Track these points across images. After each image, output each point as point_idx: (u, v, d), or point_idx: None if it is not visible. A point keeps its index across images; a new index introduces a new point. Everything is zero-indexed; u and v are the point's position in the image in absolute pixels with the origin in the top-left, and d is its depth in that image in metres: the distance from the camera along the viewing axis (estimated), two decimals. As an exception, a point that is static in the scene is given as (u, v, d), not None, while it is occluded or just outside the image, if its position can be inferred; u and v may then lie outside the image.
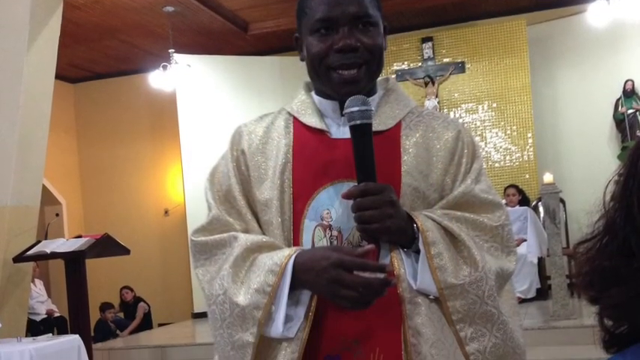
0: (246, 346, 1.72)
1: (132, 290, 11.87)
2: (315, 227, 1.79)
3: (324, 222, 1.79)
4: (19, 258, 6.91)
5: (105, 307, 11.41)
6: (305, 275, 1.67)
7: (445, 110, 10.77)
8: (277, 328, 1.70)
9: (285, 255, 1.70)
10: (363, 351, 1.72)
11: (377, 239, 1.72)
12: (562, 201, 8.91)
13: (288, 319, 1.70)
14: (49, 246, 6.97)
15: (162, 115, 12.62)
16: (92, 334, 8.32)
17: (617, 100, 10.52)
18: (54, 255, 6.92)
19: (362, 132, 1.71)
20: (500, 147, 10.80)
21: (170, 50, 10.56)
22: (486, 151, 10.66)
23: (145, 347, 8.26)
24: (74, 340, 5.80)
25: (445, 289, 1.72)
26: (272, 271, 1.69)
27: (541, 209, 8.58)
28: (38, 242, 7.21)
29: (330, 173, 1.80)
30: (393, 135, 1.86)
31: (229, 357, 1.77)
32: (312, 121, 1.87)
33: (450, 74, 11.02)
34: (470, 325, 1.75)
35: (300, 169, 1.83)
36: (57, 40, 7.62)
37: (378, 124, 1.83)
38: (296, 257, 1.69)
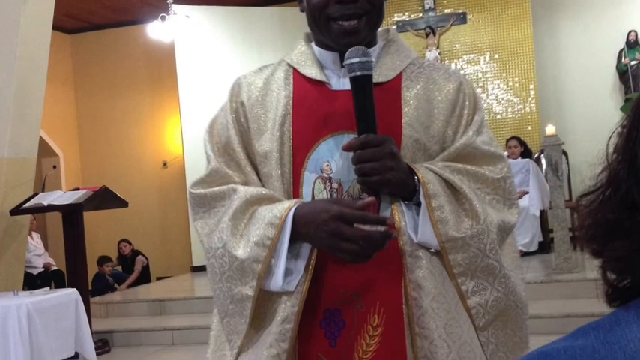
0: (245, 299, 1.72)
1: (130, 243, 11.90)
2: (315, 180, 1.78)
3: (324, 174, 1.77)
4: (16, 211, 6.91)
5: (103, 260, 11.44)
6: (305, 228, 1.66)
7: (446, 62, 10.70)
8: (277, 282, 1.69)
9: (285, 208, 1.69)
10: (363, 304, 1.72)
11: (377, 192, 1.70)
12: (564, 153, 8.90)
13: (287, 272, 1.70)
14: (46, 199, 6.97)
15: (161, 67, 12.54)
16: (90, 287, 8.37)
17: (620, 51, 10.46)
18: (51, 208, 6.91)
19: (362, 83, 1.69)
20: (502, 99, 10.76)
21: (168, 1, 10.46)
22: (488, 103, 10.61)
23: (144, 301, 8.30)
24: (72, 293, 5.81)
25: (446, 242, 1.71)
26: (272, 224, 1.67)
27: (543, 161, 8.56)
28: (35, 195, 7.21)
29: (330, 125, 1.78)
30: (393, 86, 1.83)
31: (228, 310, 1.77)
32: (312, 72, 1.85)
33: (452, 25, 10.92)
34: (471, 279, 1.75)
35: (300, 121, 1.81)
36: (54, -10, 7.53)
37: (379, 76, 1.80)
38: (296, 210, 1.68)
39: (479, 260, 1.73)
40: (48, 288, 7.00)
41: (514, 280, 1.80)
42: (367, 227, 1.62)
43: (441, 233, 1.70)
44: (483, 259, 1.73)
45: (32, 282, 9.89)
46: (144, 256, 11.74)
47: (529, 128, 10.57)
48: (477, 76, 10.80)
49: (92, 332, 6.02)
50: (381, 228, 1.63)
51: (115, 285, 11.13)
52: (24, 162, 7.24)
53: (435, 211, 1.70)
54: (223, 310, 1.79)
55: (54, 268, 11.12)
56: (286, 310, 1.70)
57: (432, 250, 1.75)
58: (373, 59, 1.74)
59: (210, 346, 1.91)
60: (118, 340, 7.07)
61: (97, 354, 6.06)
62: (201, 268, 9.04)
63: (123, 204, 7.22)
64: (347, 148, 1.69)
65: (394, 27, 8.97)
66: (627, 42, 10.38)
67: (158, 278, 11.73)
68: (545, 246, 9.32)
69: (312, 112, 1.81)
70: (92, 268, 9.71)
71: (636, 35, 10.35)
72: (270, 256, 1.67)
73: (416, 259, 1.72)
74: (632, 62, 10.30)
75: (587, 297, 6.24)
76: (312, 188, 1.78)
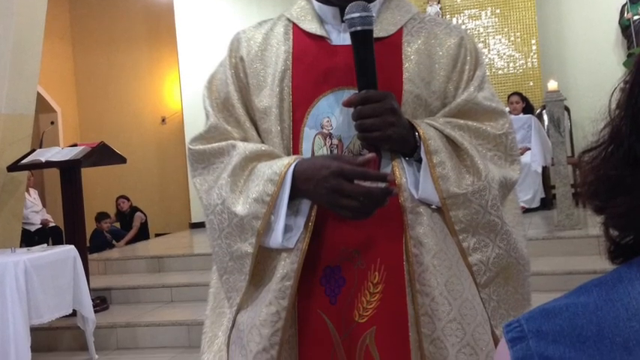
0: (244, 256, 1.71)
1: (128, 200, 11.90)
2: (315, 135, 1.76)
3: (324, 130, 1.76)
4: (14, 167, 6.89)
5: (101, 217, 11.45)
6: (305, 184, 1.65)
7: (447, 16, 10.60)
8: (276, 239, 1.68)
9: (285, 164, 1.67)
10: (363, 261, 1.71)
11: (378, 148, 1.69)
12: (567, 109, 8.86)
13: (287, 229, 1.69)
14: (44, 155, 6.94)
15: (160, 21, 12.45)
16: (88, 244, 8.38)
17: (623, 5, 10.35)
18: (49, 164, 6.89)
19: (363, 38, 1.66)
20: (504, 54, 10.69)
21: (166, -46, 10.33)
22: (489, 58, 10.54)
23: (142, 258, 8.31)
24: (69, 250, 5.80)
25: (447, 198, 1.70)
26: (271, 180, 1.66)
27: (545, 117, 8.51)
28: (33, 151, 7.18)
29: (330, 80, 1.76)
30: (394, 42, 1.81)
31: (228, 267, 1.77)
32: (312, 27, 1.82)
33: (452, -21, 10.81)
34: (473, 236, 1.74)
35: (300, 77, 1.79)
36: (50, -57, 7.43)
37: (379, 31, 1.78)
38: (295, 166, 1.67)
39: (480, 217, 1.72)
40: (45, 245, 7.00)
41: (516, 237, 1.79)
42: (367, 183, 1.61)
43: (442, 190, 1.69)
44: (485, 216, 1.72)
45: (29, 239, 9.91)
46: (142, 212, 11.76)
47: (531, 84, 10.52)
48: (479, 31, 10.71)
49: (90, 289, 6.04)
50: (382, 184, 1.62)
51: (113, 242, 11.14)
52: (21, 118, 7.21)
53: (436, 167, 1.69)
54: (222, 268, 1.79)
55: (51, 224, 11.13)
56: (286, 268, 1.69)
57: (433, 206, 1.74)
58: (374, 14, 1.72)
59: (209, 303, 1.91)
60: (116, 297, 7.10)
61: (95, 311, 6.07)
62: (200, 225, 9.08)
63: (121, 160, 7.20)
64: (347, 104, 1.67)
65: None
66: (630, -4, 10.28)
67: (157, 235, 11.76)
68: (547, 202, 9.32)
69: (312, 68, 1.79)
70: (90, 225, 9.72)
71: (639, -10, 10.24)
72: (270, 213, 1.66)
73: (417, 216, 1.71)
74: (635, 17, 10.20)
75: (589, 254, 6.24)
76: (312, 144, 1.76)
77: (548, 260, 6.45)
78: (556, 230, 7.34)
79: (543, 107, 9.03)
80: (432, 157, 1.69)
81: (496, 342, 1.75)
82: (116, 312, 6.82)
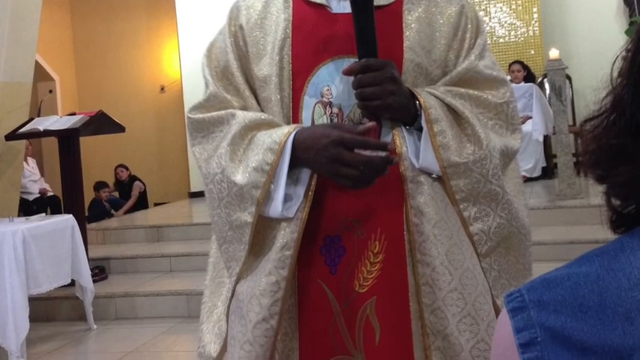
0: (244, 225, 1.71)
1: (127, 169, 11.89)
2: (315, 104, 1.75)
3: (324, 99, 1.75)
4: (12, 135, 6.87)
5: (99, 186, 11.43)
6: (304, 153, 1.64)
7: (447, -16, 10.50)
8: (276, 208, 1.68)
9: (285, 133, 1.67)
10: (363, 231, 1.71)
11: (378, 117, 1.68)
12: (568, 77, 8.83)
13: (287, 198, 1.68)
14: (42, 123, 6.92)
15: (158, -12, 12.36)
16: (86, 213, 8.38)
17: (625, -27, 10.28)
18: (47, 132, 6.87)
19: (363, 6, 1.65)
20: (505, 22, 10.62)
21: None
22: (490, 27, 10.47)
23: (141, 227, 8.30)
24: (68, 219, 5.79)
25: (448, 167, 1.70)
26: (271, 149, 1.65)
27: (547, 86, 8.48)
28: (31, 120, 7.16)
29: (330, 49, 1.75)
30: (394, 10, 1.79)
31: (227, 237, 1.76)
32: (311, -6, 1.81)
33: (453, -54, 10.70)
34: (474, 205, 1.74)
35: (300, 45, 1.77)
36: None
37: (380, -1, 1.77)
38: (295, 135, 1.66)
39: (481, 186, 1.72)
40: (44, 214, 7.00)
41: (517, 206, 1.79)
42: (368, 152, 1.60)
43: (443, 159, 1.69)
44: (486, 185, 1.72)
45: (28, 208, 9.91)
46: (141, 181, 11.74)
47: (532, 52, 10.47)
48: (479, -2, 10.65)
49: (88, 259, 6.04)
50: (382, 153, 1.61)
51: (112, 211, 11.14)
52: (19, 86, 7.18)
53: (437, 136, 1.68)
54: (222, 237, 1.78)
55: (50, 194, 11.12)
56: (286, 237, 1.69)
57: (434, 175, 1.73)
58: None
59: (208, 273, 1.91)
60: (114, 267, 7.11)
61: (94, 281, 6.08)
62: (200, 194, 9.08)
63: (120, 129, 7.18)
64: (347, 72, 1.66)
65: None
66: (632, -37, 10.20)
67: (155, 204, 11.75)
68: (548, 171, 9.31)
69: (311, 36, 1.77)
70: (88, 194, 9.72)
71: (641, -43, 10.15)
72: (270, 182, 1.66)
73: (417, 185, 1.71)
74: (637, -16, 10.13)
75: (591, 223, 6.23)
76: (312, 113, 1.75)
77: (549, 230, 6.45)
78: (557, 199, 7.33)
79: (545, 76, 9.00)
80: (433, 126, 1.68)
81: (497, 312, 1.75)
82: (115, 282, 6.84)
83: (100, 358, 5.61)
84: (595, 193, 6.68)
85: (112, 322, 6.22)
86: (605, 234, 0.82)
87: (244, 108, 1.79)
